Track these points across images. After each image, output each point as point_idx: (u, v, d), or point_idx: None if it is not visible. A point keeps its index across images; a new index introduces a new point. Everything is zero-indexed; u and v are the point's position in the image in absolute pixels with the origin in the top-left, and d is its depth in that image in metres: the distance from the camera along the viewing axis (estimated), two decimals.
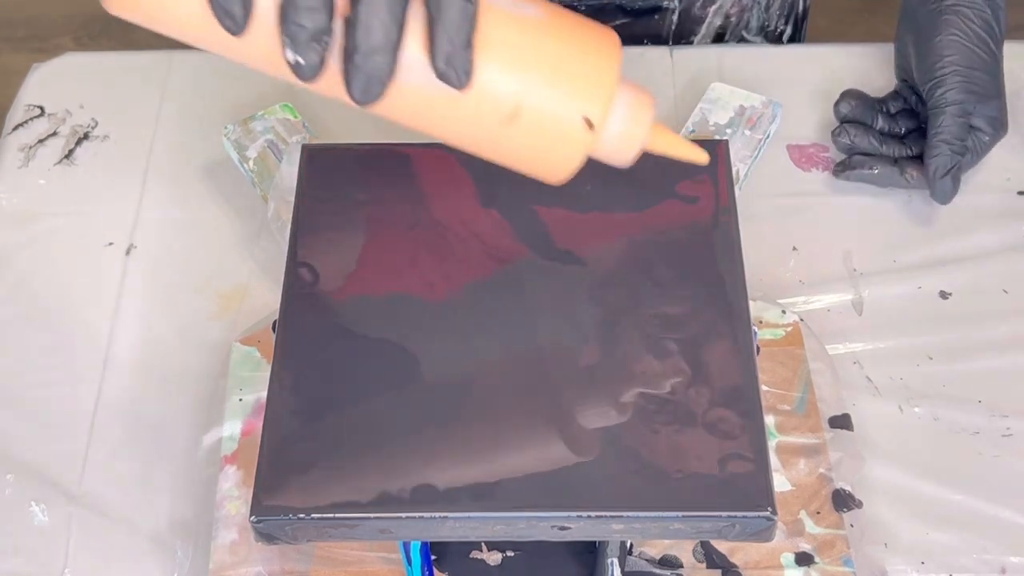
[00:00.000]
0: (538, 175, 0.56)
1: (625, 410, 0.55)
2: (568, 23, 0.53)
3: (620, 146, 0.54)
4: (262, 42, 0.49)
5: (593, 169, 0.56)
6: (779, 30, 0.96)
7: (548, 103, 0.52)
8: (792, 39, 0.97)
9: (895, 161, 0.77)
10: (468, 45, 0.49)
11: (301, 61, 0.48)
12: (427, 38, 0.49)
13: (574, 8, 0.90)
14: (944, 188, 0.75)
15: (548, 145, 0.53)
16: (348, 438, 0.55)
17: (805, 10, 0.97)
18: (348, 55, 0.48)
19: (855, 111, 0.79)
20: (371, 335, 0.59)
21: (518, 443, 0.55)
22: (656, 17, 0.92)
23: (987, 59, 0.75)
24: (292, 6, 0.47)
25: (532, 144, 0.53)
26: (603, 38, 0.53)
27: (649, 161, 0.56)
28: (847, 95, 0.80)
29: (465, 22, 0.48)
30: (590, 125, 0.52)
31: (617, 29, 0.91)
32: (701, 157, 0.57)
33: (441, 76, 0.49)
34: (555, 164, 0.54)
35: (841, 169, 0.78)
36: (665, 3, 0.91)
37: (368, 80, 0.48)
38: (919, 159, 0.77)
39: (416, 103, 0.51)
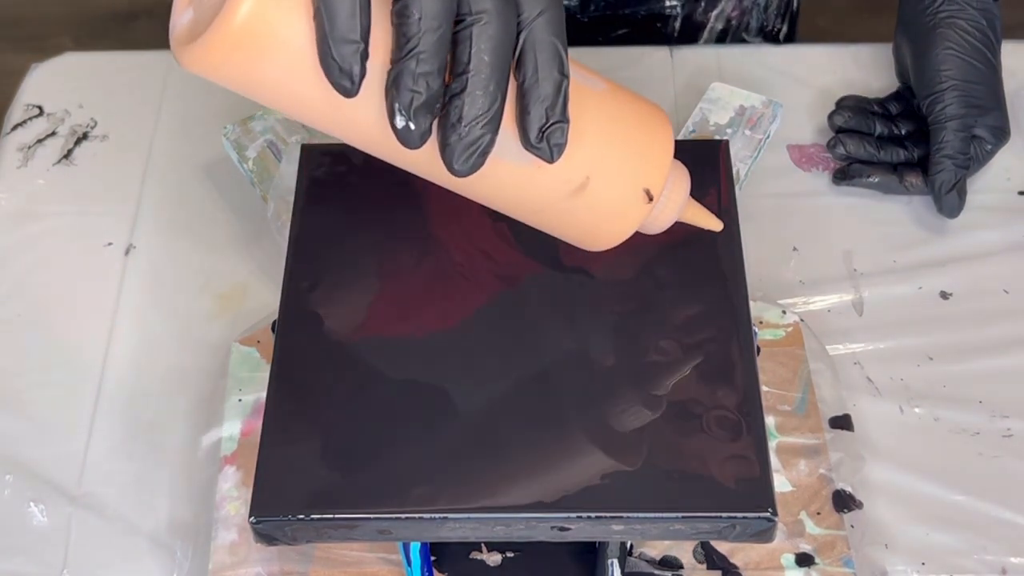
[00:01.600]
0: (585, 243, 0.56)
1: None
2: (627, 97, 0.54)
3: (662, 216, 0.56)
4: (365, 107, 0.47)
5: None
6: (776, 29, 0.96)
7: (615, 176, 0.53)
8: (788, 36, 0.97)
9: (894, 168, 0.77)
10: (563, 119, 0.48)
11: (412, 127, 0.46)
12: (519, 111, 0.48)
13: (577, 20, 0.91)
14: (951, 203, 0.75)
15: (606, 216, 0.54)
16: (347, 438, 0.55)
17: (798, 7, 0.97)
18: (451, 125, 0.47)
19: (850, 122, 0.79)
20: (371, 335, 0.58)
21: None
22: (659, 25, 0.92)
23: (984, 70, 0.75)
24: (408, 71, 0.45)
25: (591, 215, 0.54)
26: (656, 113, 0.55)
27: None
28: (842, 106, 0.80)
29: (560, 96, 0.48)
30: (649, 197, 0.54)
31: (621, 38, 0.93)
32: (718, 226, 0.59)
33: (533, 149, 0.49)
34: (608, 234, 0.55)
35: (840, 177, 0.78)
36: (667, 11, 0.91)
37: (470, 151, 0.47)
38: (918, 165, 0.77)
39: (486, 175, 0.50)
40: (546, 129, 0.48)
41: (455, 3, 0.45)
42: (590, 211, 0.54)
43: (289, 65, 0.46)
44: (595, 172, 0.52)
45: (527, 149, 0.49)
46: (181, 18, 0.49)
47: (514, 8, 0.46)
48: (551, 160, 0.49)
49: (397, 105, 0.46)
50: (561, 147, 0.49)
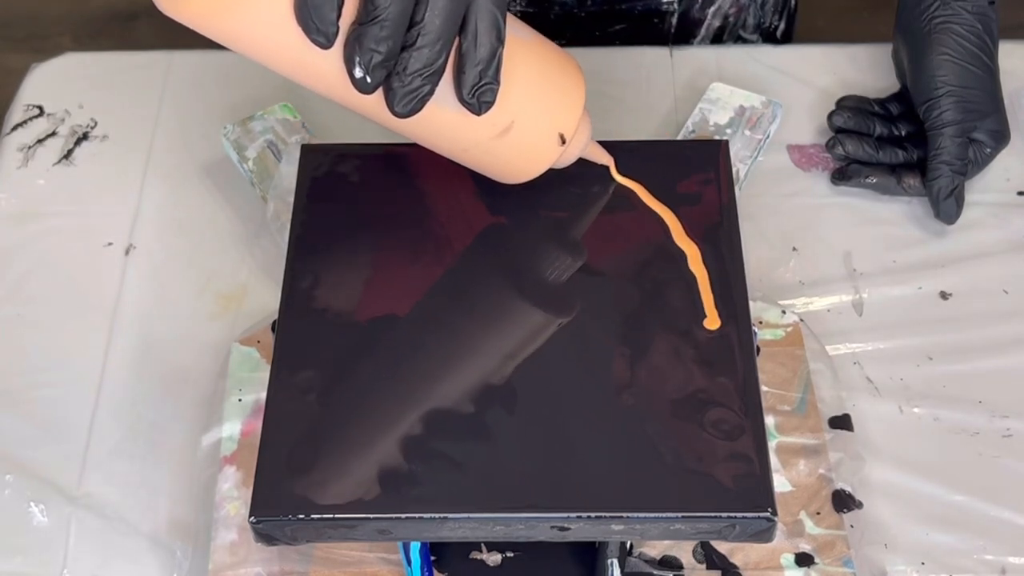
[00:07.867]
0: (505, 178, 0.62)
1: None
2: (547, 47, 0.59)
3: (567, 155, 0.62)
4: (329, 57, 0.52)
5: (596, 172, 0.63)
6: (773, 26, 0.96)
7: (535, 122, 0.59)
8: (785, 34, 0.97)
9: (892, 169, 0.77)
10: (494, 81, 0.54)
11: (369, 80, 0.52)
12: (456, 69, 0.54)
13: (574, 15, 0.91)
14: (948, 209, 0.75)
15: (525, 155, 0.60)
16: (347, 439, 0.55)
17: (796, 4, 0.97)
18: (396, 73, 0.52)
19: (849, 122, 0.79)
20: (371, 335, 0.58)
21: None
22: (656, 20, 0.92)
23: (981, 74, 0.75)
24: (371, 35, 0.50)
25: (512, 154, 0.59)
26: (570, 61, 0.60)
27: (650, 163, 0.57)
28: (841, 106, 0.80)
29: (494, 61, 0.53)
30: (563, 140, 0.59)
31: (618, 34, 0.93)
32: (610, 161, 0.64)
33: (464, 104, 0.54)
34: (524, 170, 0.61)
35: (839, 178, 0.78)
36: (664, 7, 0.91)
37: (410, 97, 0.53)
38: (917, 166, 0.77)
39: (421, 117, 0.55)
40: (478, 89, 0.54)
41: None
42: (512, 151, 0.59)
43: (267, 17, 0.51)
44: (519, 117, 0.58)
45: (460, 102, 0.54)
46: None
47: None
48: (478, 114, 0.55)
49: (358, 59, 0.51)
50: (489, 104, 0.54)
